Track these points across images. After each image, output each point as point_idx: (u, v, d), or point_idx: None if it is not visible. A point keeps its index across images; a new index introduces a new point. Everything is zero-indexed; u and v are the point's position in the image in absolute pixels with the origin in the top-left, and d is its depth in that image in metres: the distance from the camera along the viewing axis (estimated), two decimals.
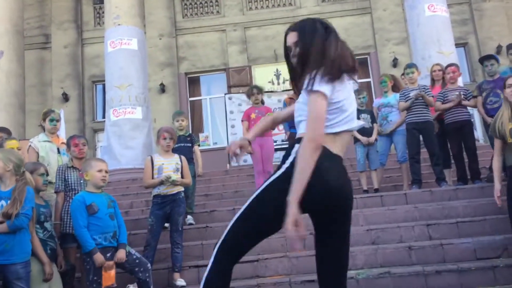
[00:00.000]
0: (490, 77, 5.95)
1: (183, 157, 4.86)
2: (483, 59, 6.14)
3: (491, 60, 5.96)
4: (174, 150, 5.54)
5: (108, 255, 3.60)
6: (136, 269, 3.71)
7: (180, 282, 4.36)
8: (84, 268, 3.67)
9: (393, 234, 4.65)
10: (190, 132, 7.10)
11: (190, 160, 5.84)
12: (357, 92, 6.46)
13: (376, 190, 6.15)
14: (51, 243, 3.76)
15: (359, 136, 6.21)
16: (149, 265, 3.81)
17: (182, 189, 4.71)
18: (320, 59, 1.96)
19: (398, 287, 3.90)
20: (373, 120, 6.37)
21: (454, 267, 3.93)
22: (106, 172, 3.80)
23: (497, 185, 3.42)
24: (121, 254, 3.65)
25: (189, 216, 5.62)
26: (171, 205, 4.55)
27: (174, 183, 4.52)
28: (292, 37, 2.08)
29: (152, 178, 4.59)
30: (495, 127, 3.35)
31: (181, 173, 4.70)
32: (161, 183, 4.52)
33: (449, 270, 3.92)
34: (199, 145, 6.11)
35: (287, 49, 2.13)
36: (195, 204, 6.12)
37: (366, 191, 6.18)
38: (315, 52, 1.98)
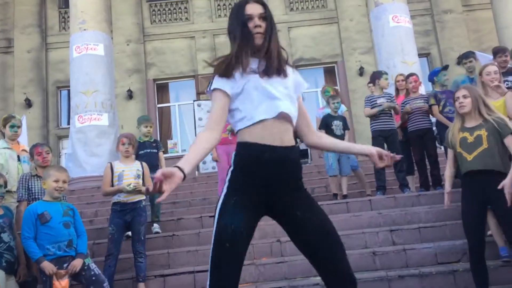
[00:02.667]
0: (441, 88, 6.18)
1: (144, 164, 4.78)
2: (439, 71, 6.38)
3: (443, 71, 6.21)
4: (141, 157, 5.49)
5: (65, 265, 3.50)
6: (91, 287, 3.59)
7: None
8: (41, 281, 3.57)
9: (358, 240, 4.73)
10: (156, 138, 7.05)
11: (157, 167, 5.75)
12: (332, 97, 6.59)
13: (345, 197, 6.24)
14: (7, 255, 3.63)
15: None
16: (106, 283, 3.68)
17: (144, 197, 4.63)
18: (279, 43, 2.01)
19: None
20: (346, 127, 6.49)
21: (416, 272, 4.04)
22: (64, 182, 3.70)
23: (448, 187, 3.60)
24: (76, 263, 3.54)
25: (155, 225, 5.55)
26: (131, 214, 4.46)
27: (134, 190, 4.43)
28: (258, 8, 1.96)
29: (112, 185, 4.49)
30: (448, 138, 3.50)
31: (143, 179, 4.63)
32: (120, 191, 4.44)
33: (412, 274, 4.02)
34: (163, 151, 6.06)
35: (239, 18, 1.95)
36: (162, 212, 6.06)
37: (335, 195, 6.27)
38: (277, 40, 1.99)
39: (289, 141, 1.95)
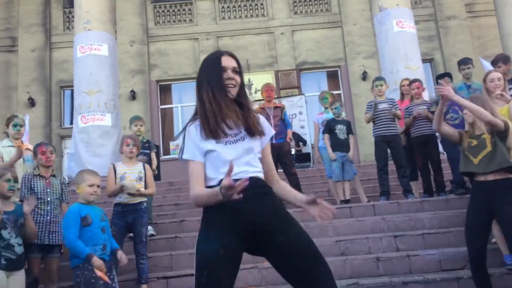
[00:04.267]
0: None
1: (147, 166, 4.78)
2: (439, 77, 6.36)
3: (446, 78, 6.17)
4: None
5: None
6: None
7: None
8: (74, 283, 3.55)
9: (362, 245, 4.72)
10: (160, 142, 7.01)
11: (150, 167, 5.67)
12: (331, 103, 6.59)
13: (348, 201, 6.22)
14: (7, 253, 3.59)
15: (329, 150, 6.31)
16: None
17: (145, 199, 4.63)
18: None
19: None
20: (349, 131, 6.46)
21: (420, 278, 4.02)
22: (98, 186, 3.70)
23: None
24: (123, 254, 3.71)
25: (149, 227, 5.49)
26: (132, 215, 4.45)
27: (132, 192, 4.42)
28: (233, 62, 2.03)
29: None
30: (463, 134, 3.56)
31: (145, 182, 4.62)
32: (122, 189, 4.42)
33: (416, 281, 4.01)
34: (156, 152, 6.01)
35: (215, 69, 2.01)
36: (164, 214, 6.04)
37: (342, 201, 6.23)
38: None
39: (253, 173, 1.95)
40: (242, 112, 2.01)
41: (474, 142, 3.41)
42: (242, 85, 2.05)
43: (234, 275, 1.90)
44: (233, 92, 2.01)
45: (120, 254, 3.73)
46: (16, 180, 3.89)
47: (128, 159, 4.64)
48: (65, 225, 3.58)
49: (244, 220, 1.88)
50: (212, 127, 1.95)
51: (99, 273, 3.41)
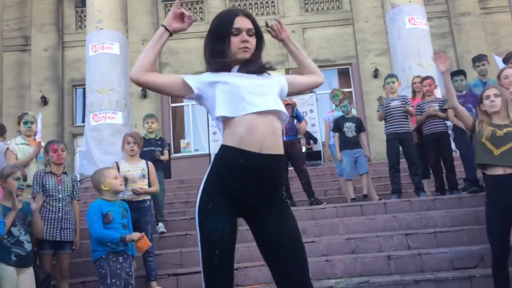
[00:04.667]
0: (459, 92, 6.06)
1: (150, 163, 4.76)
2: (453, 74, 6.27)
3: (460, 75, 6.09)
4: (144, 153, 5.42)
5: (121, 258, 3.59)
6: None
7: None
8: (99, 276, 3.60)
9: (372, 243, 4.68)
10: (170, 140, 7.03)
11: (160, 167, 5.69)
12: (340, 101, 6.55)
13: (365, 196, 6.16)
14: (17, 249, 3.59)
15: (336, 149, 6.28)
16: None
17: (148, 197, 4.63)
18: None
19: None
20: (360, 129, 6.39)
21: (431, 277, 3.98)
22: (118, 177, 3.82)
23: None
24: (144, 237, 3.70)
25: (160, 224, 5.51)
26: (136, 213, 4.43)
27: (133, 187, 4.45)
28: (248, 23, 1.93)
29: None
30: (475, 124, 3.41)
31: (148, 179, 4.61)
32: (126, 179, 4.41)
33: (427, 279, 3.96)
34: (168, 150, 6.04)
35: (227, 29, 1.92)
36: (174, 211, 6.06)
37: (354, 200, 6.19)
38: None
39: (270, 148, 1.84)
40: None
41: (500, 133, 3.25)
42: (258, 47, 1.96)
43: (234, 246, 1.89)
44: (248, 55, 1.93)
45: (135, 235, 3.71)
46: (25, 179, 3.92)
47: (130, 157, 4.66)
48: (90, 220, 3.63)
49: (243, 198, 1.85)
50: (218, 63, 1.92)
51: (143, 247, 3.55)
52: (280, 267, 1.87)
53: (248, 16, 1.94)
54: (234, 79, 1.90)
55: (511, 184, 3.17)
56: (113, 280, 3.49)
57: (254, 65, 1.93)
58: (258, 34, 1.95)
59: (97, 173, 3.86)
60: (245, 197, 1.85)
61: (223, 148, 1.86)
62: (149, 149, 5.62)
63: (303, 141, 10.11)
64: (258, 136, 1.81)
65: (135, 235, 3.59)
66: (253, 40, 1.93)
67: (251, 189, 1.84)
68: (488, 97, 3.35)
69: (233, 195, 1.84)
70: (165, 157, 5.77)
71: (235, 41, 1.90)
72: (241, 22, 1.90)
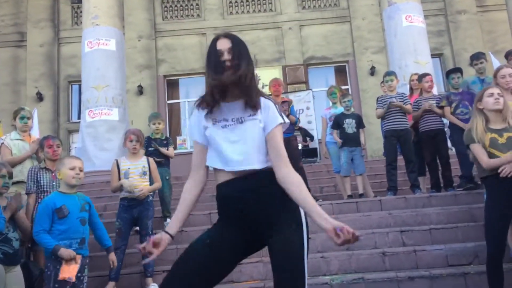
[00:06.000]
0: (455, 90, 6.07)
1: (151, 160, 4.79)
2: (450, 72, 6.29)
3: (457, 73, 6.11)
4: (151, 153, 5.53)
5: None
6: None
7: (154, 286, 4.30)
8: (44, 276, 3.39)
9: (368, 240, 4.68)
10: (167, 135, 7.07)
11: (167, 163, 5.82)
12: (342, 96, 6.55)
13: (361, 195, 6.18)
14: (4, 247, 3.49)
15: (336, 138, 6.28)
16: None
17: (151, 192, 4.64)
18: (256, 84, 1.98)
19: None
20: (360, 125, 6.39)
21: (426, 273, 3.98)
22: (81, 170, 3.47)
23: (501, 158, 3.21)
24: (113, 257, 3.65)
25: (168, 220, 5.58)
26: (138, 208, 4.46)
27: (131, 192, 4.44)
28: (226, 43, 1.98)
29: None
30: (473, 137, 3.35)
31: (149, 176, 4.62)
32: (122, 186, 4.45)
33: (422, 276, 3.97)
34: (174, 147, 6.14)
35: (212, 54, 1.98)
36: (172, 208, 6.06)
37: (350, 196, 6.21)
38: (252, 73, 1.98)
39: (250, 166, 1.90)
40: (243, 94, 1.96)
41: (502, 140, 3.23)
42: (246, 63, 1.97)
43: (219, 262, 1.90)
44: (229, 72, 1.94)
45: (112, 257, 3.63)
46: (11, 177, 3.86)
47: (132, 154, 4.65)
48: (36, 218, 3.40)
49: (238, 215, 1.91)
50: (208, 103, 1.95)
51: (65, 274, 3.17)
52: (276, 278, 1.86)
53: (228, 36, 2.02)
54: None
55: (511, 184, 3.14)
56: (56, 286, 3.21)
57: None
58: (240, 52, 2.00)
59: (59, 160, 3.72)
60: (245, 222, 1.95)
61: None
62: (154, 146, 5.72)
63: (299, 138, 10.12)
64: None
65: (67, 254, 3.22)
66: (235, 61, 1.97)
67: (245, 216, 1.94)
68: (492, 94, 3.32)
69: (235, 220, 1.97)
70: (169, 152, 5.85)
71: (221, 61, 1.97)
72: (221, 45, 1.98)
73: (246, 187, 1.89)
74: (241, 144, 1.92)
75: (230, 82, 1.92)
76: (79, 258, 3.30)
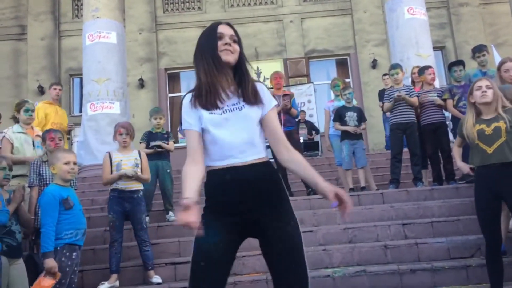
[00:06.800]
0: (457, 82, 6.06)
1: (142, 153, 4.82)
2: (452, 65, 6.27)
3: (459, 66, 6.09)
4: (151, 148, 5.58)
5: (74, 254, 3.34)
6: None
7: (156, 279, 4.32)
8: (38, 269, 3.42)
9: (370, 233, 4.70)
10: (168, 130, 7.08)
11: (168, 157, 5.82)
12: (343, 89, 6.53)
13: (363, 188, 6.18)
14: (8, 239, 3.52)
15: (343, 128, 6.24)
16: None
17: (141, 187, 4.62)
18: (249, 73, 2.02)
19: (374, 286, 3.95)
20: (361, 118, 6.38)
21: (428, 266, 4.00)
22: (75, 164, 3.46)
23: (459, 162, 3.69)
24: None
25: (170, 213, 5.60)
26: (130, 203, 4.45)
27: (132, 175, 4.44)
28: (230, 30, 1.99)
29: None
30: (463, 132, 3.44)
31: (141, 169, 4.61)
32: (120, 178, 4.45)
33: (424, 268, 3.99)
34: (174, 142, 6.13)
35: (212, 36, 1.98)
36: (173, 201, 6.07)
37: (352, 189, 6.21)
38: (246, 63, 2.02)
39: (252, 156, 1.89)
40: (238, 81, 1.97)
41: (488, 130, 3.28)
42: (241, 53, 2.00)
43: (230, 262, 1.91)
44: (231, 58, 1.96)
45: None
46: (11, 169, 3.86)
47: (123, 147, 4.67)
48: (44, 209, 3.30)
49: (235, 212, 1.88)
50: (204, 100, 1.93)
51: (42, 279, 3.07)
52: (276, 276, 1.87)
53: (230, 25, 2.04)
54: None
55: (499, 173, 3.20)
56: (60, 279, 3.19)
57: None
58: (240, 40, 2.02)
59: (52, 155, 3.70)
60: (241, 211, 1.90)
61: (209, 172, 1.99)
62: (156, 142, 5.70)
63: (301, 131, 10.11)
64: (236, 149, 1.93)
65: (52, 265, 3.12)
66: (236, 47, 1.99)
67: (245, 202, 1.90)
68: (480, 88, 3.35)
69: (230, 212, 1.92)
70: (169, 146, 5.85)
71: (219, 44, 1.98)
72: (224, 29, 1.99)
73: (245, 176, 1.88)
74: (243, 131, 1.90)
75: (234, 61, 1.96)
76: (58, 276, 3.18)
